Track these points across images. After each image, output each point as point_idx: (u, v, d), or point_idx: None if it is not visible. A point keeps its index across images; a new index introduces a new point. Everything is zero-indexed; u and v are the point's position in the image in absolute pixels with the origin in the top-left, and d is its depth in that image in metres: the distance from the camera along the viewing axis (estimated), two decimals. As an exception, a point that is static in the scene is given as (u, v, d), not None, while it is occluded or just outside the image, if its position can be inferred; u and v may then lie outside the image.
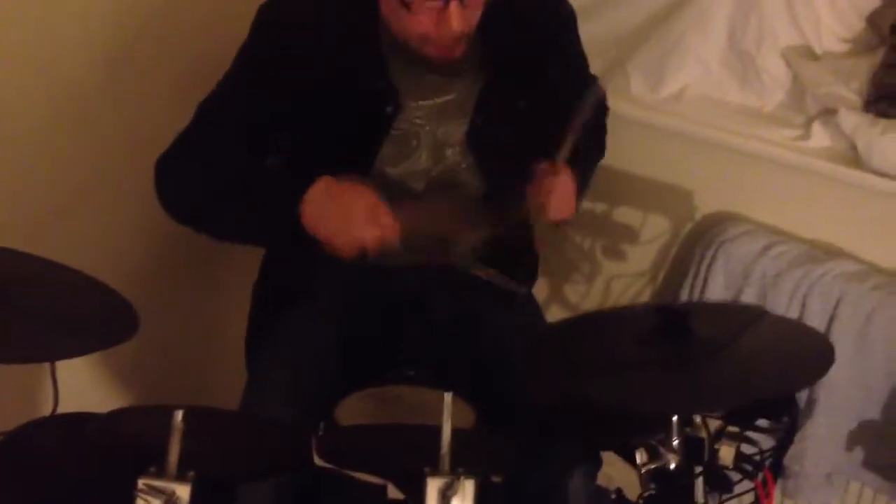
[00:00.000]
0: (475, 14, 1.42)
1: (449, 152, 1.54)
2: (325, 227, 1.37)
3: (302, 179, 1.39)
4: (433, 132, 1.53)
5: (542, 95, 1.55)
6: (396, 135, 1.51)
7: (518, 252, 1.60)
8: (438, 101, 1.52)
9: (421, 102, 1.51)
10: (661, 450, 1.15)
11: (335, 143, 1.50)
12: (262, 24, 1.50)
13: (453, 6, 1.37)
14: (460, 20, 1.39)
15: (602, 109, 1.74)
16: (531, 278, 1.69)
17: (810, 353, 1.16)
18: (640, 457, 1.16)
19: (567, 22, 1.61)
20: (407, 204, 1.42)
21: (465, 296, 1.55)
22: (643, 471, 1.15)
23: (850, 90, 1.82)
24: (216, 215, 1.45)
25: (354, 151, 1.51)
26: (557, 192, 1.45)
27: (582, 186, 1.55)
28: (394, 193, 1.50)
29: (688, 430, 1.18)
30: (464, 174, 1.56)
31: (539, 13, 1.57)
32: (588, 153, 1.62)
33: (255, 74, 1.49)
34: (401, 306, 1.54)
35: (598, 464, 1.40)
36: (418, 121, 1.52)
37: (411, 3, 1.38)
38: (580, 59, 1.66)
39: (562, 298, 2.15)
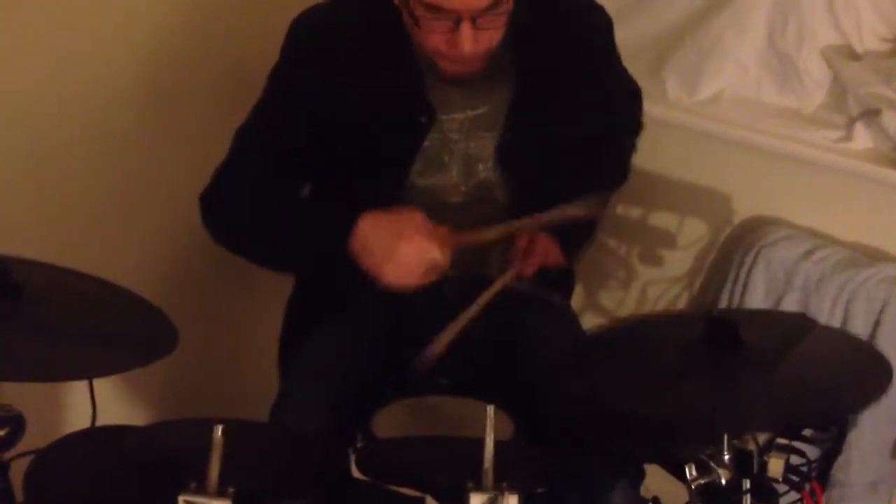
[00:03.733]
0: (493, 34, 1.37)
1: (480, 167, 1.52)
2: (379, 251, 1.34)
3: (346, 209, 1.37)
4: (465, 147, 1.51)
5: (573, 112, 1.51)
6: (428, 147, 1.49)
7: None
8: (471, 114, 1.49)
9: (454, 115, 1.49)
10: (712, 464, 1.12)
11: (370, 157, 1.48)
12: (295, 43, 1.48)
13: (465, 28, 1.33)
14: (472, 42, 1.34)
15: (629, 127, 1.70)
16: (568, 288, 1.66)
17: (868, 371, 1.12)
18: (689, 472, 1.13)
19: (603, 35, 1.58)
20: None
21: (501, 306, 1.53)
22: (693, 486, 1.13)
23: (892, 90, 1.79)
24: (264, 248, 1.46)
25: (389, 164, 1.49)
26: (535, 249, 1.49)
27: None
28: (427, 206, 1.48)
29: (736, 442, 1.15)
30: (494, 189, 1.54)
31: (574, 27, 1.53)
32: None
33: (289, 101, 1.47)
34: (437, 318, 1.52)
35: (641, 475, 1.39)
36: (451, 134, 1.50)
37: (420, 20, 1.34)
38: (616, 73, 1.63)
39: (597, 304, 2.13)
